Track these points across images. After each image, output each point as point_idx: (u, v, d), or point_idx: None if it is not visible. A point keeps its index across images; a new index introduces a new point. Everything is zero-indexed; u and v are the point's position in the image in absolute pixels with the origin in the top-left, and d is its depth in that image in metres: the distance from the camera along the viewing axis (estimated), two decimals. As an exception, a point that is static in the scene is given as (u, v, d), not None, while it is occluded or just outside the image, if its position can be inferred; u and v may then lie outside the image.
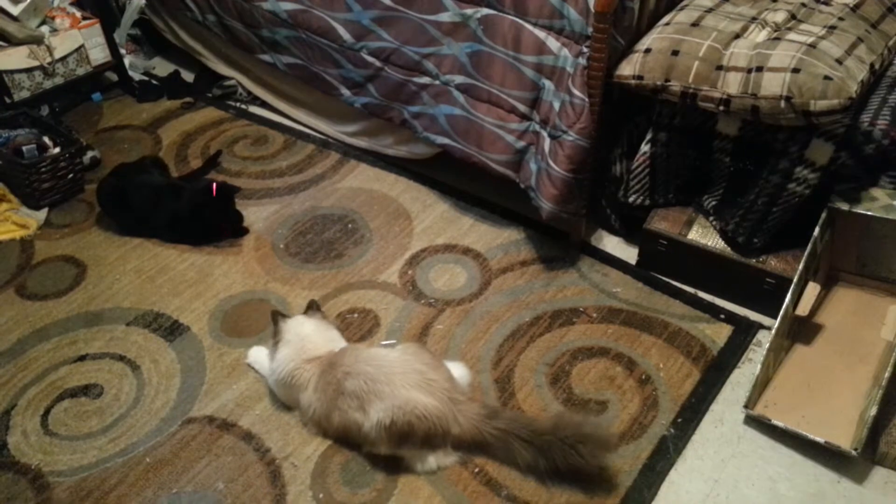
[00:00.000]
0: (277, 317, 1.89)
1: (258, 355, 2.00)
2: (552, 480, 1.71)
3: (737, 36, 1.97)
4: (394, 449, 1.72)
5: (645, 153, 2.14)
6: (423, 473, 1.74)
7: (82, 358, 2.04)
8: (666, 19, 2.08)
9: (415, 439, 1.69)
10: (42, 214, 2.52)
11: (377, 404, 1.68)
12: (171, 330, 2.11)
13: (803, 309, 1.90)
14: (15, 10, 2.73)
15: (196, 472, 1.77)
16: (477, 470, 1.75)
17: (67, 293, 2.23)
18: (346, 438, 1.78)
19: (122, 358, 2.04)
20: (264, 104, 3.03)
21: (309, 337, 1.85)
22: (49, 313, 2.17)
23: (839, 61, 1.83)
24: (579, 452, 1.66)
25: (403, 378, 1.71)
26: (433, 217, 2.48)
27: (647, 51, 1.98)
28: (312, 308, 1.95)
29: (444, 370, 1.79)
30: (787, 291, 1.91)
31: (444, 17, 2.22)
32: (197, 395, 1.94)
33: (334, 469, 1.77)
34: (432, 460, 1.73)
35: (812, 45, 1.86)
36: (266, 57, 2.79)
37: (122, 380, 1.98)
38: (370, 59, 2.45)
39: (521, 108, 2.17)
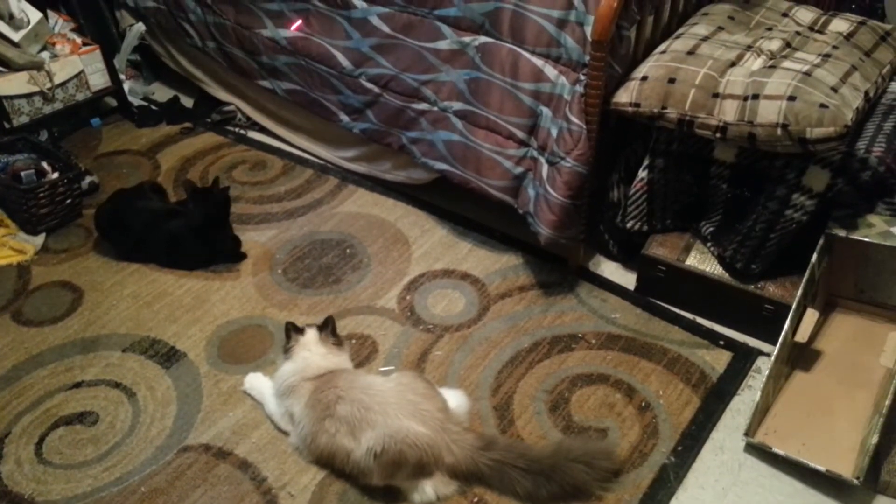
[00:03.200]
0: (291, 330, 1.90)
1: (255, 382, 1.99)
2: (552, 509, 1.69)
3: (732, 64, 1.99)
4: (386, 479, 1.70)
5: (642, 179, 2.15)
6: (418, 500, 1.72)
7: (78, 385, 2.02)
8: (662, 47, 2.10)
9: (406, 468, 1.67)
10: (39, 240, 2.52)
11: (368, 433, 1.67)
12: (168, 356, 2.10)
13: (802, 335, 1.90)
14: (16, 37, 2.75)
15: (192, 501, 1.74)
16: (476, 500, 1.73)
17: (64, 319, 2.22)
18: (332, 463, 1.76)
19: (117, 385, 2.02)
20: (263, 129, 3.04)
21: (313, 361, 1.84)
22: (45, 339, 2.16)
23: (834, 89, 1.85)
24: (591, 466, 1.68)
25: (397, 408, 1.70)
26: (431, 242, 2.48)
27: (644, 78, 2.00)
28: (327, 328, 1.91)
29: (438, 400, 1.78)
30: (785, 318, 1.91)
31: (443, 44, 2.24)
32: (193, 422, 1.92)
33: (332, 499, 1.75)
34: (430, 490, 1.71)
35: (807, 73, 1.88)
36: (265, 83, 2.81)
37: (117, 407, 1.97)
38: (369, 85, 2.47)
39: (519, 134, 2.19)
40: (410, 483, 1.71)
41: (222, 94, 3.10)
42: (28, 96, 2.77)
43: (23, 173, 2.52)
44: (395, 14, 2.31)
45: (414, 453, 1.65)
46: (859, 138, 1.94)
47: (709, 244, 2.17)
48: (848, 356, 1.99)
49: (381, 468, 1.67)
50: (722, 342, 2.11)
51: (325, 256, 2.43)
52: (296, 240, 2.51)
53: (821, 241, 1.95)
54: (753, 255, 2.03)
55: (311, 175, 2.80)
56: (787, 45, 2.06)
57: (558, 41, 2.02)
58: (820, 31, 2.15)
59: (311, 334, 1.89)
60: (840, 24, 2.16)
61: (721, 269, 2.12)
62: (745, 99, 1.87)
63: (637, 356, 2.07)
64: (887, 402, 1.73)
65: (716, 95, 1.92)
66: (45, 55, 2.83)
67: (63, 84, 2.85)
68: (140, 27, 3.15)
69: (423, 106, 2.37)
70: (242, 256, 2.43)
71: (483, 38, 2.16)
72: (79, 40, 2.94)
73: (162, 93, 3.32)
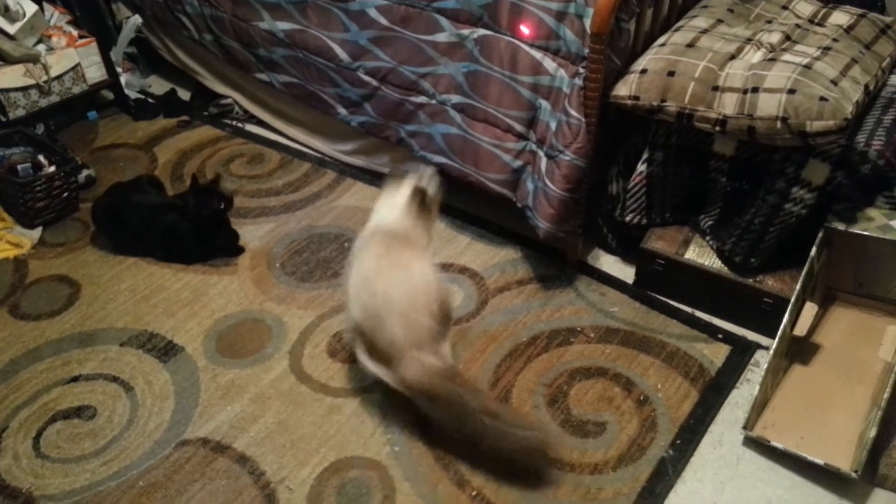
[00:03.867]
0: (391, 178, 1.96)
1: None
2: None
3: (732, 57, 1.98)
4: (362, 356, 1.79)
5: (641, 172, 2.14)
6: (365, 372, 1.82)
7: (75, 379, 2.02)
8: (661, 40, 2.09)
9: (375, 355, 1.76)
10: (36, 233, 2.51)
11: (361, 308, 1.76)
12: (166, 350, 2.09)
13: (801, 329, 1.90)
14: (11, 29, 2.73)
15: (190, 495, 1.74)
16: (474, 493, 1.73)
17: (61, 313, 2.21)
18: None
19: (115, 379, 2.02)
20: (261, 123, 3.03)
21: (385, 218, 1.90)
22: (42, 333, 2.15)
23: (834, 82, 1.84)
24: (524, 455, 1.74)
25: (399, 306, 1.72)
26: (430, 236, 2.47)
27: (644, 71, 1.99)
28: (419, 195, 1.89)
29: (438, 324, 1.77)
30: (784, 311, 1.90)
31: (441, 37, 2.23)
32: (191, 416, 1.92)
33: (330, 492, 1.75)
34: (371, 366, 1.78)
35: (807, 66, 1.87)
36: (263, 76, 2.80)
37: (115, 401, 1.96)
38: (367, 78, 2.46)
39: (518, 127, 2.18)
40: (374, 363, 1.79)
41: (219, 87, 3.09)
42: (24, 89, 2.75)
43: (19, 167, 2.51)
44: (393, 6, 2.30)
45: (382, 345, 1.73)
46: (859, 132, 1.93)
47: (708, 238, 2.17)
48: (846, 350, 1.99)
49: (358, 339, 1.80)
50: (720, 336, 2.10)
51: (323, 250, 2.43)
52: (294, 234, 2.50)
53: (820, 235, 1.95)
54: (752, 248, 2.03)
55: (309, 168, 2.79)
56: (787, 37, 2.05)
57: (557, 34, 2.01)
58: (820, 24, 2.14)
59: (404, 192, 1.90)
60: (840, 17, 2.16)
61: (720, 262, 2.12)
62: (745, 92, 1.87)
63: (635, 350, 2.07)
64: (886, 396, 1.74)
65: (715, 88, 1.91)
66: (42, 48, 2.81)
67: (59, 77, 2.83)
68: (136, 20, 3.13)
69: (422, 99, 2.36)
70: (240, 250, 2.43)
71: (481, 31, 2.15)
72: (75, 33, 2.92)
73: (159, 86, 3.31)
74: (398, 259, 1.80)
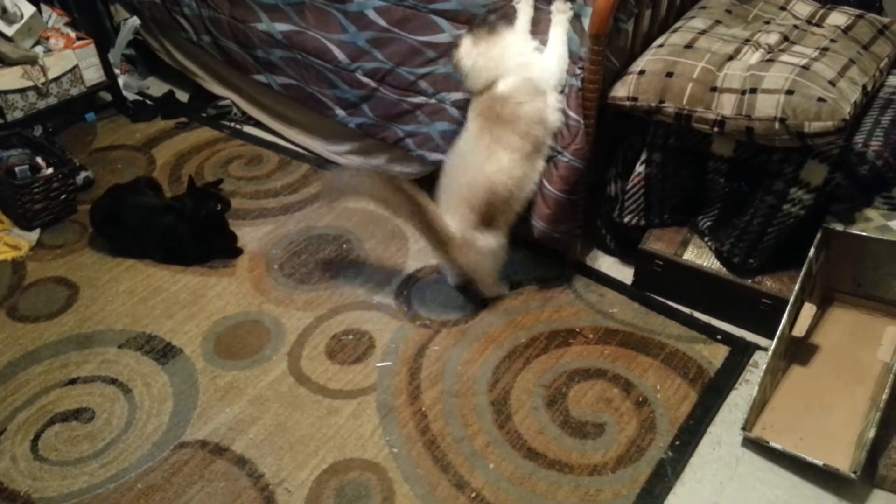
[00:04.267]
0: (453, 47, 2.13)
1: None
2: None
3: (730, 58, 1.98)
4: None
5: (640, 173, 2.14)
6: None
7: (73, 381, 2.02)
8: (660, 41, 2.09)
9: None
10: (34, 235, 2.50)
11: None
12: (164, 352, 2.09)
13: (800, 330, 1.90)
14: (9, 31, 2.73)
15: (188, 498, 1.74)
16: (474, 495, 1.73)
17: (59, 315, 2.21)
18: None
19: (113, 381, 2.01)
20: (259, 124, 3.02)
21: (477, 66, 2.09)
22: (40, 336, 2.15)
23: (832, 83, 1.84)
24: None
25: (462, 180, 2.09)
26: (428, 237, 2.47)
27: (642, 72, 1.99)
28: (482, 24, 2.04)
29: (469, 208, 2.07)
30: (783, 312, 1.90)
31: (440, 38, 2.23)
32: (189, 418, 1.91)
33: (329, 494, 1.75)
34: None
35: (805, 67, 1.87)
36: (261, 77, 2.79)
37: (113, 403, 1.96)
38: (365, 79, 2.46)
39: (517, 128, 2.17)
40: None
41: (217, 89, 3.09)
42: (22, 91, 2.75)
43: (17, 169, 2.51)
44: (391, 7, 2.30)
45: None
46: (857, 132, 1.93)
47: (706, 238, 2.17)
48: (845, 350, 1.99)
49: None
50: (719, 336, 2.10)
51: (321, 252, 2.43)
52: (292, 235, 2.50)
53: (818, 236, 1.95)
54: (751, 249, 2.03)
55: (307, 170, 2.79)
56: (785, 38, 2.06)
57: (555, 35, 2.01)
58: (818, 25, 2.15)
59: (466, 41, 2.04)
60: (838, 18, 2.16)
61: (718, 263, 2.12)
62: (743, 93, 1.87)
63: (634, 351, 2.07)
64: (884, 397, 1.74)
65: (713, 89, 1.91)
66: (39, 50, 2.81)
67: (57, 79, 2.83)
68: (135, 21, 3.13)
69: (420, 99, 2.36)
70: (238, 252, 2.42)
71: (480, 32, 2.15)
72: (73, 34, 2.92)
73: (157, 87, 3.31)
74: (489, 140, 2.04)
